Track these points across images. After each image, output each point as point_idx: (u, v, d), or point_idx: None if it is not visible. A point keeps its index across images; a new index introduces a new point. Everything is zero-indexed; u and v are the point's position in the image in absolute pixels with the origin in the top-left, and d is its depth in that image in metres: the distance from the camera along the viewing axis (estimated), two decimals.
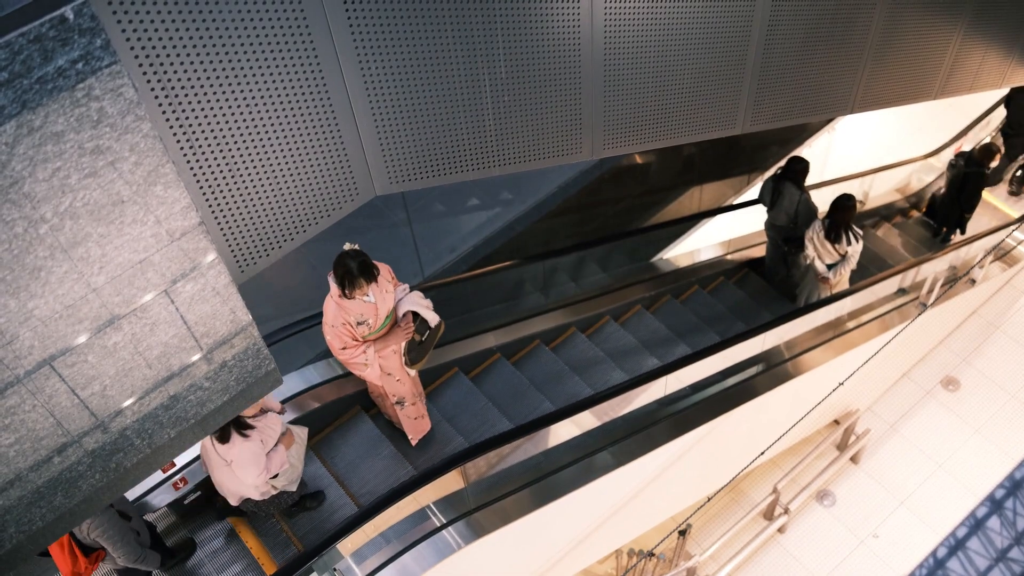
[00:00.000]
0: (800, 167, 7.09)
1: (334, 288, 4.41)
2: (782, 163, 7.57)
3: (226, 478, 4.44)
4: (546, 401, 6.17)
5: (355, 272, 4.27)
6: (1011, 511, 8.34)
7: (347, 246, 4.41)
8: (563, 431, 5.87)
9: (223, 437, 4.27)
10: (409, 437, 5.56)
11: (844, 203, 6.76)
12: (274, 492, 4.66)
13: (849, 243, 6.88)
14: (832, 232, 6.87)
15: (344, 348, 4.57)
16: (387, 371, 4.87)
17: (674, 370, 6.09)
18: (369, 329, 4.58)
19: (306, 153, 3.33)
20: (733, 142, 8.56)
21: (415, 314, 4.74)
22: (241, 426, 4.29)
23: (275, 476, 4.54)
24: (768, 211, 7.51)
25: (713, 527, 8.25)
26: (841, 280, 7.23)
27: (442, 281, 6.28)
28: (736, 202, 8.37)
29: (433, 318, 4.72)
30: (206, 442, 4.38)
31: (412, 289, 4.86)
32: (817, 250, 7.06)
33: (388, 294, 4.57)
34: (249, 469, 4.30)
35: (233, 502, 4.59)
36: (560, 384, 6.42)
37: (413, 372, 5.02)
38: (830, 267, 7.10)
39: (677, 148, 8.08)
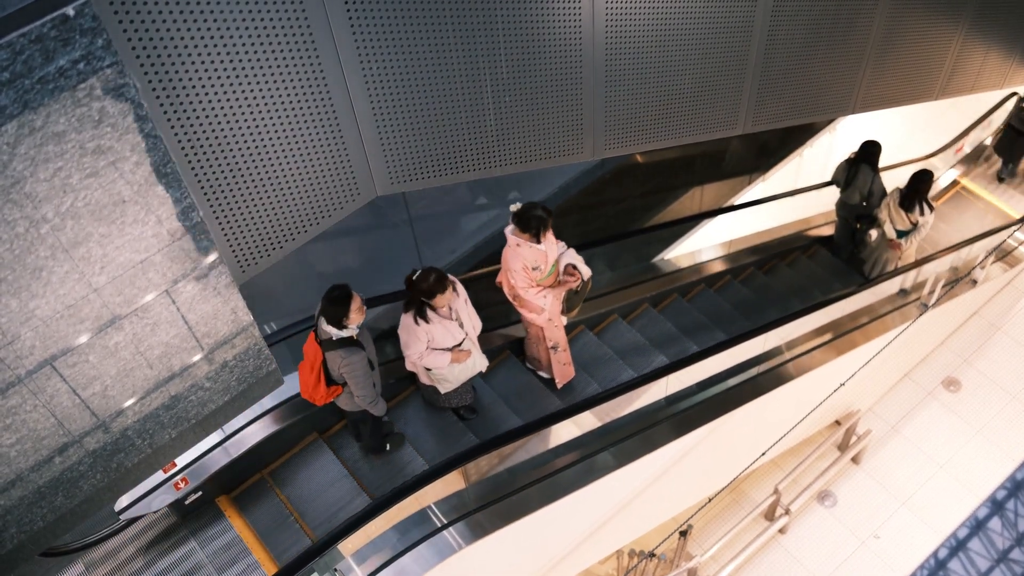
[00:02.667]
0: (875, 150, 7.66)
1: (512, 239, 5.21)
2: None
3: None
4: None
5: (545, 217, 5.12)
6: (1012, 512, 8.34)
7: (515, 206, 5.19)
8: (564, 432, 5.86)
9: (406, 306, 4.96)
10: (556, 381, 6.14)
11: (924, 176, 7.40)
12: (429, 383, 5.36)
13: (923, 212, 7.50)
14: (907, 201, 7.49)
15: (529, 288, 5.34)
16: (549, 316, 5.57)
17: (675, 371, 6.10)
18: (540, 274, 5.34)
19: (307, 153, 3.33)
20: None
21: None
22: (421, 311, 4.89)
23: (429, 370, 5.19)
24: (842, 191, 8.04)
25: (714, 528, 8.25)
26: (910, 249, 7.91)
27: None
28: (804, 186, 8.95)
29: (587, 272, 5.47)
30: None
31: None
32: (891, 217, 7.69)
33: (553, 245, 5.36)
34: (409, 340, 4.96)
35: (407, 366, 5.25)
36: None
37: (565, 320, 5.78)
38: (901, 234, 7.73)
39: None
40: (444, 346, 5.02)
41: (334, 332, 4.50)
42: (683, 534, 7.24)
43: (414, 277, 4.82)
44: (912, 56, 5.99)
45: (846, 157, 7.90)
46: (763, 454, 5.75)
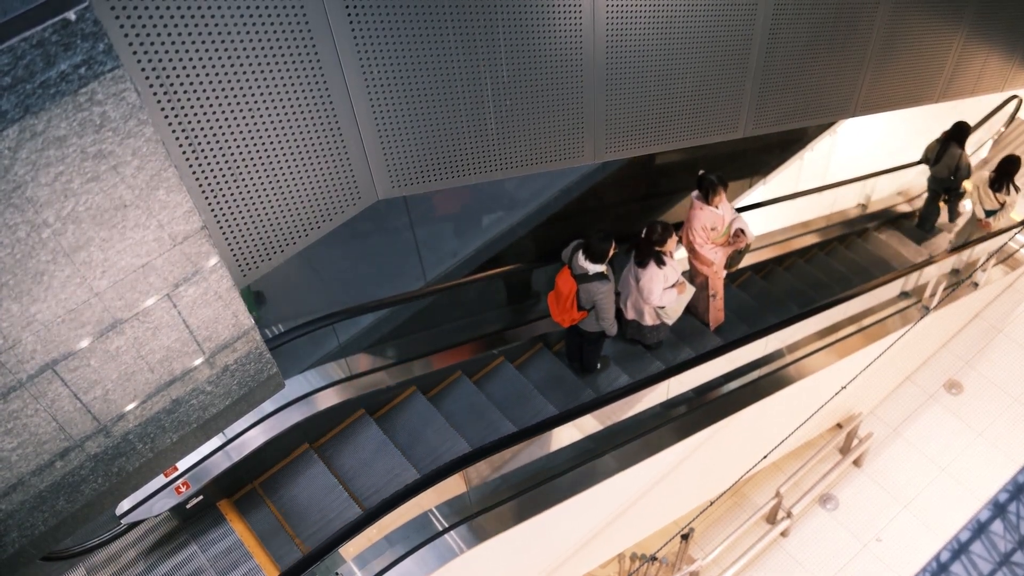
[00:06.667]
0: (965, 129, 8.36)
1: (696, 204, 6.31)
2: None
3: (632, 294, 6.21)
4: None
5: (716, 183, 6.17)
6: (1014, 515, 8.33)
7: (700, 172, 6.27)
8: (565, 435, 5.86)
9: (642, 263, 5.94)
10: (711, 325, 7.14)
11: (1014, 159, 8.02)
12: (656, 323, 6.32)
13: (1009, 193, 8.12)
14: (997, 183, 8.11)
15: (705, 245, 6.42)
16: (716, 269, 6.60)
17: (677, 373, 6.10)
18: (716, 234, 6.40)
19: (308, 156, 3.34)
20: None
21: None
22: (659, 260, 5.88)
23: (662, 308, 6.15)
24: (932, 167, 8.67)
25: (716, 531, 8.24)
26: (996, 225, 8.46)
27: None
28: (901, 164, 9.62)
29: (751, 235, 6.48)
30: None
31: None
32: (980, 197, 8.34)
33: (729, 211, 6.40)
34: (653, 287, 5.91)
35: (628, 315, 6.36)
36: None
37: (723, 273, 6.77)
38: (988, 213, 8.36)
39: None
40: (672, 283, 6.01)
41: (590, 268, 5.51)
42: (685, 537, 7.23)
43: (643, 235, 5.91)
44: (913, 59, 5.99)
45: (937, 137, 8.53)
46: (764, 457, 5.74)
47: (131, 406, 2.83)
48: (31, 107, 2.09)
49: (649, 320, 6.32)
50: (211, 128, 2.93)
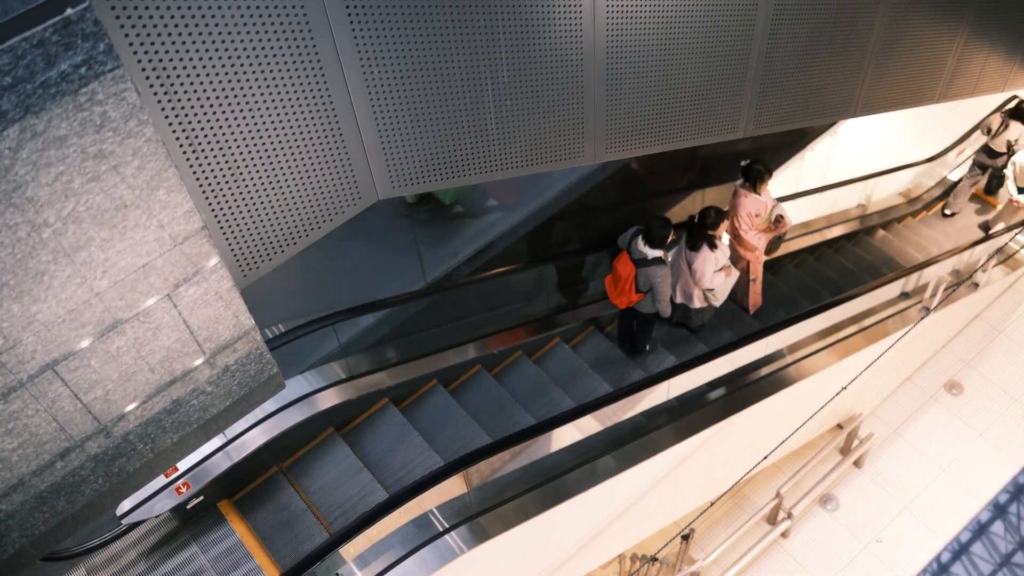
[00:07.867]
0: None
1: (742, 192, 6.62)
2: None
3: (682, 278, 6.55)
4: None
5: (764, 172, 6.50)
6: (1015, 516, 8.32)
7: (745, 162, 6.59)
8: (566, 435, 5.86)
9: (694, 247, 6.29)
10: (750, 309, 7.52)
11: None
12: (703, 305, 6.68)
13: None
14: None
15: (749, 231, 6.75)
16: (758, 254, 6.97)
17: (677, 374, 6.10)
18: (760, 220, 6.72)
19: (309, 156, 3.34)
20: None
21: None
22: (711, 244, 6.23)
23: (711, 290, 6.48)
24: (992, 139, 8.95)
25: (716, 532, 8.23)
26: None
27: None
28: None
29: (790, 220, 6.78)
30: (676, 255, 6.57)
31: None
32: (1016, 176, 8.77)
33: (770, 199, 6.70)
34: (706, 269, 6.25)
35: (677, 299, 6.71)
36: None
37: (764, 258, 7.14)
38: (1022, 191, 8.81)
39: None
40: (721, 266, 6.35)
41: (649, 252, 5.84)
42: (685, 538, 7.23)
43: (696, 220, 6.23)
44: (913, 59, 5.99)
45: (1004, 109, 8.81)
46: (765, 458, 5.74)
47: (131, 406, 2.83)
48: (31, 107, 2.09)
49: (697, 303, 6.65)
50: (211, 128, 2.93)
